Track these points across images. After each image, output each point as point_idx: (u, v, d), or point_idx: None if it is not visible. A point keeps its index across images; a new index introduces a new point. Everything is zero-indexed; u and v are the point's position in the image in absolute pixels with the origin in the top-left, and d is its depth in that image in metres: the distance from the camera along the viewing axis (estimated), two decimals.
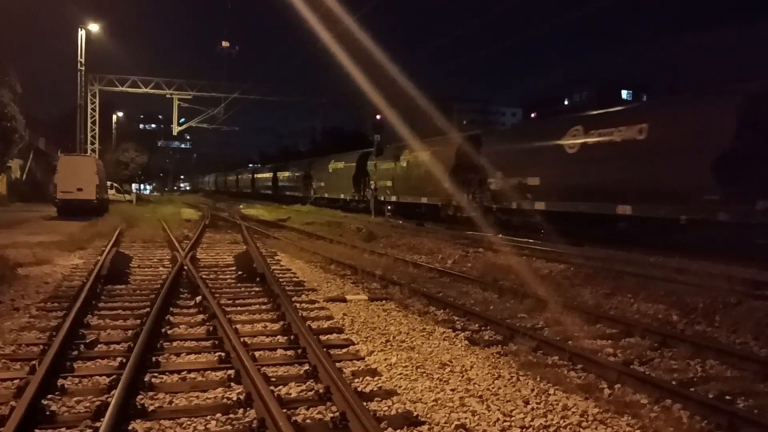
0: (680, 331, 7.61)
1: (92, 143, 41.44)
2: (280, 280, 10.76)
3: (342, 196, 37.06)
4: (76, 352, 6.02)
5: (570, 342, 6.89)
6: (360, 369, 5.75)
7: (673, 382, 5.46)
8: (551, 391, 5.21)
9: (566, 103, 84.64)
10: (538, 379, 5.54)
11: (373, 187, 31.72)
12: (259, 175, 64.09)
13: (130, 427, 4.27)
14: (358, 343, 6.71)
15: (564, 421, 4.55)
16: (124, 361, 5.46)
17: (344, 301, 9.19)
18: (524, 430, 4.41)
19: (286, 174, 52.43)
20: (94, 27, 36.62)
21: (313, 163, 45.63)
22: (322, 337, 6.80)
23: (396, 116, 30.55)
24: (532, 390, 5.24)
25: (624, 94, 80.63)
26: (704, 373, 5.95)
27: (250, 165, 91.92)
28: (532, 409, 4.80)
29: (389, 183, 30.33)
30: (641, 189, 15.26)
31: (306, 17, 21.90)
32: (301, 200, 45.70)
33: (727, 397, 5.14)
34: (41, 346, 6.08)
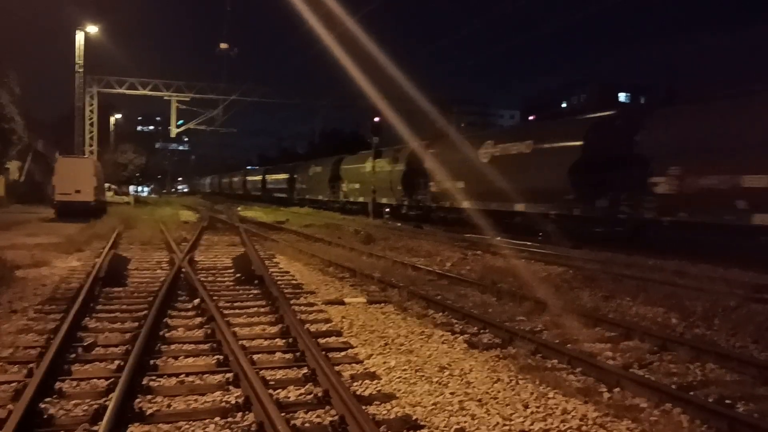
0: (679, 335, 7.60)
1: (90, 145, 41.37)
2: (279, 282, 10.74)
3: (320, 197, 41.80)
4: (74, 355, 5.99)
5: (569, 345, 6.88)
6: (359, 372, 5.73)
7: (673, 386, 5.44)
8: (551, 395, 5.20)
9: (564, 105, 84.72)
10: (538, 382, 5.52)
11: (344, 189, 36.89)
12: (250, 178, 68.49)
13: (128, 431, 4.25)
14: (356, 347, 6.69)
15: (564, 425, 4.54)
16: (122, 364, 5.44)
17: (343, 303, 9.17)
18: None
19: (274, 177, 56.66)
20: (93, 29, 36.65)
21: (297, 167, 50.39)
22: (321, 340, 6.78)
23: (395, 118, 30.64)
24: (532, 393, 5.23)
25: (622, 96, 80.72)
26: (704, 376, 5.93)
27: (248, 167, 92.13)
28: (532, 412, 4.79)
29: (357, 186, 35.42)
30: (529, 191, 19.88)
31: (306, 18, 21.93)
32: (286, 201, 49.95)
33: (727, 401, 5.12)
34: (39, 349, 6.06)
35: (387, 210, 31.54)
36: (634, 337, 7.29)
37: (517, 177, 20.04)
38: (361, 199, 34.28)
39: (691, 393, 5.26)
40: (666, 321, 8.33)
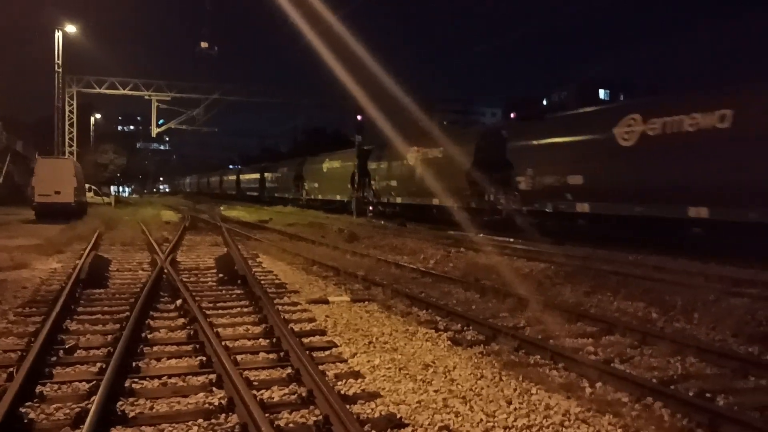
0: (660, 329, 7.68)
1: (70, 145, 40.97)
2: (262, 282, 10.71)
3: (287, 195, 46.43)
4: (55, 358, 5.93)
5: (551, 341, 6.94)
6: (343, 371, 5.73)
7: (654, 380, 5.50)
8: (534, 391, 5.24)
9: (545, 103, 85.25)
10: (521, 378, 5.56)
11: (306, 187, 41.92)
12: (227, 177, 72.53)
13: None
14: (341, 345, 6.69)
15: (546, 421, 4.58)
16: (104, 366, 5.39)
17: (327, 302, 9.17)
18: (507, 430, 4.42)
19: (248, 176, 60.69)
20: (72, 28, 36.24)
21: (267, 167, 54.91)
22: (305, 340, 6.77)
23: (378, 116, 30.82)
24: (515, 390, 5.26)
25: (602, 93, 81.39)
26: (684, 370, 6.00)
27: (231, 167, 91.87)
28: (515, 409, 4.82)
29: (316, 185, 40.29)
30: (441, 189, 23.70)
31: (288, 17, 21.92)
32: (258, 199, 53.95)
33: (708, 395, 5.19)
34: (19, 352, 5.98)
35: (371, 209, 32.13)
36: (615, 331, 7.36)
37: (434, 177, 24.09)
38: (320, 197, 39.17)
39: (672, 387, 5.33)
40: (646, 315, 8.42)
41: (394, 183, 28.84)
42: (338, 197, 35.80)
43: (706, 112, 13.95)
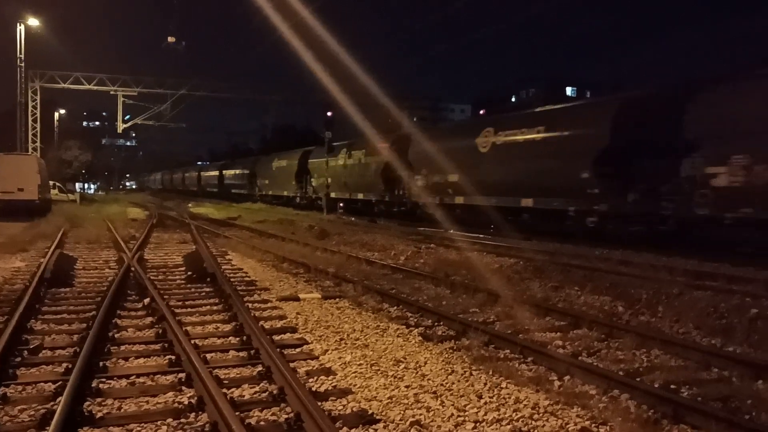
0: (626, 322, 7.83)
1: (33, 142, 40.08)
2: (232, 279, 10.62)
3: (243, 191, 50.45)
4: (19, 359, 5.81)
5: (521, 335, 7.03)
6: (314, 368, 5.72)
7: (620, 373, 5.61)
8: (503, 385, 5.30)
9: (513, 100, 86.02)
10: (491, 373, 5.62)
11: (258, 183, 46.62)
12: (188, 174, 75.59)
13: None
14: (312, 342, 6.68)
15: (516, 414, 4.63)
16: (70, 366, 5.30)
17: (297, 300, 9.14)
18: (478, 424, 4.47)
19: (208, 174, 65.61)
20: (34, 22, 35.43)
21: (225, 165, 60.30)
22: (276, 337, 6.74)
23: (348, 112, 31.01)
24: (485, 384, 5.32)
25: (569, 90, 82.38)
26: (650, 363, 6.13)
27: (199, 163, 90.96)
28: (485, 403, 4.87)
29: (267, 182, 44.46)
30: (363, 185, 29.38)
31: (258, 11, 21.79)
32: (218, 195, 58.02)
33: (672, 387, 5.31)
34: None
35: (341, 205, 32.39)
36: (582, 325, 7.48)
37: (358, 175, 29.41)
38: (270, 192, 43.80)
39: (638, 379, 5.43)
40: (612, 309, 8.57)
41: (328, 181, 33.11)
42: (285, 193, 41.09)
43: (529, 128, 18.59)
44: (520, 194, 18.64)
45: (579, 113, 18.08)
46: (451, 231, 19.40)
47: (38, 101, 40.80)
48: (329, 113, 34.02)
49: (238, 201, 48.09)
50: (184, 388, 5.11)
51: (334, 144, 32.87)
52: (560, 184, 16.95)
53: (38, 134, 40.75)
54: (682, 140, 13.91)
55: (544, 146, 17.59)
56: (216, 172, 61.15)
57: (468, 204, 21.44)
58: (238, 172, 53.57)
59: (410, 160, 25.01)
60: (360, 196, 29.86)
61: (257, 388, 5.13)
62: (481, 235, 18.51)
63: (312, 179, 36.10)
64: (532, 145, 18.10)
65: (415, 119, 56.57)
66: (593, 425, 4.45)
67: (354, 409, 4.69)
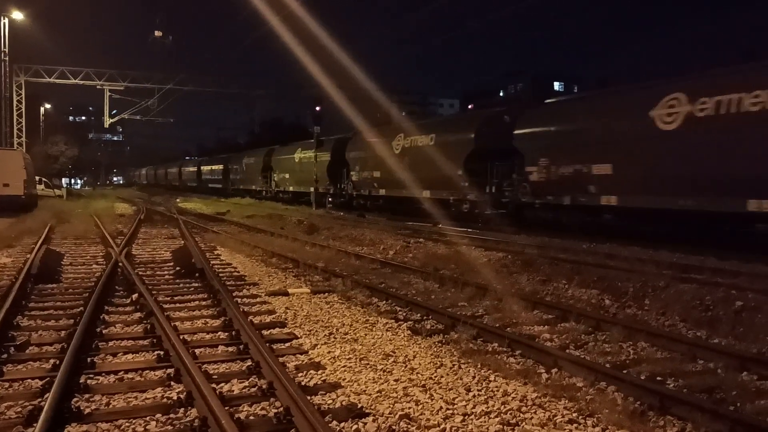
0: (613, 315, 7.90)
1: (19, 137, 39.73)
2: (220, 275, 10.60)
3: (219, 186, 54.34)
4: (5, 355, 5.77)
5: (509, 329, 7.07)
6: (304, 363, 5.73)
7: (607, 365, 5.67)
8: (492, 378, 5.33)
9: (501, 94, 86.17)
10: (479, 366, 5.65)
11: (231, 178, 50.81)
12: (170, 170, 78.70)
13: None
14: (301, 337, 6.69)
15: (504, 407, 4.66)
16: (58, 362, 5.28)
17: (286, 294, 9.13)
18: (466, 417, 4.50)
19: (188, 169, 69.38)
20: (19, 15, 35.05)
21: (202, 162, 64.64)
22: (265, 332, 6.74)
23: (337, 107, 31.24)
24: (474, 377, 5.35)
25: (556, 85, 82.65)
26: (636, 355, 6.19)
27: (187, 158, 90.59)
28: (474, 396, 4.90)
29: (239, 177, 48.81)
30: (309, 181, 32.40)
31: (247, 4, 21.77)
32: (197, 189, 60.95)
33: (658, 378, 5.37)
34: None
35: (330, 200, 32.51)
36: (570, 318, 7.53)
37: (309, 172, 32.55)
38: (242, 187, 47.44)
39: (625, 371, 5.49)
40: (600, 302, 8.64)
41: (286, 176, 38.23)
42: (254, 187, 44.79)
43: (426, 134, 23.27)
44: (421, 187, 23.14)
45: (456, 123, 23.96)
46: (440, 225, 19.44)
47: (23, 96, 40.41)
48: (318, 108, 33.91)
49: (214, 194, 51.94)
50: (173, 383, 5.10)
51: (289, 145, 37.41)
52: (445, 179, 21.17)
53: (24, 129, 40.38)
54: (514, 148, 18.64)
55: (435, 149, 22.10)
56: (194, 168, 64.60)
57: (388, 195, 26.35)
58: (214, 167, 57.64)
59: (347, 159, 29.45)
60: (311, 189, 33.40)
61: (246, 383, 5.13)
62: (470, 229, 18.55)
63: (274, 174, 40.54)
64: (428, 149, 22.73)
65: (404, 113, 56.55)
66: (580, 417, 4.49)
67: (343, 403, 4.71)
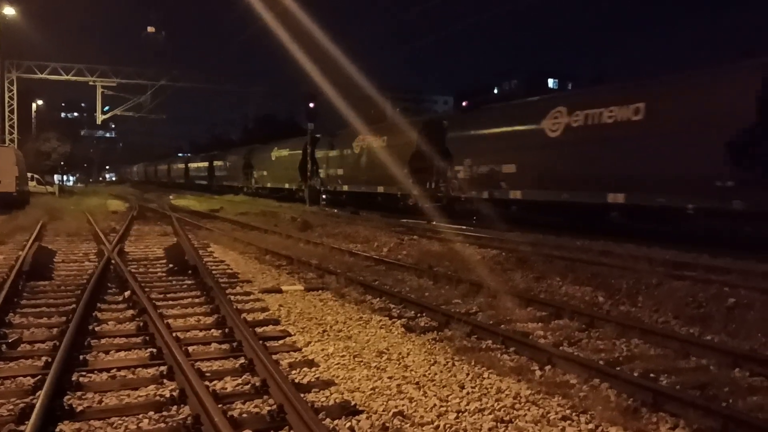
0: (606, 312, 7.91)
1: (11, 133, 39.57)
2: (213, 272, 10.57)
3: (204, 182, 57.34)
4: None
5: (503, 326, 7.07)
6: (297, 360, 5.72)
7: (601, 362, 5.67)
8: (485, 375, 5.33)
9: (496, 91, 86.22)
10: (473, 363, 5.65)
11: (216, 174, 53.49)
12: (160, 167, 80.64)
13: (57, 429, 4.11)
14: (294, 334, 6.67)
15: (498, 404, 4.67)
16: (50, 360, 5.25)
17: (280, 292, 9.12)
18: (460, 414, 4.50)
19: (176, 167, 71.33)
20: (10, 11, 34.82)
21: (190, 159, 67.88)
22: (258, 330, 6.72)
23: (331, 104, 31.17)
24: (467, 374, 5.35)
25: (551, 82, 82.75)
26: (629, 352, 6.20)
27: (180, 155, 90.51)
28: (468, 393, 4.90)
29: (225, 173, 51.14)
30: (289, 177, 36.18)
31: (241, 0, 21.73)
32: (186, 186, 62.96)
33: (651, 375, 5.38)
34: None
35: (324, 197, 32.57)
36: (563, 315, 7.54)
37: (284, 168, 36.35)
38: (225, 183, 50.17)
39: (618, 368, 5.50)
40: (593, 299, 8.66)
41: (265, 173, 40.91)
42: (235, 183, 47.34)
43: (381, 136, 26.22)
44: (376, 184, 25.93)
45: (403, 127, 25.47)
46: (434, 222, 19.45)
47: (15, 92, 40.21)
48: (311, 104, 33.81)
49: (200, 191, 54.32)
50: (165, 381, 5.08)
51: (267, 144, 40.54)
52: (395, 176, 23.49)
53: (15, 125, 40.17)
54: (447, 150, 21.62)
55: (386, 150, 24.67)
56: (182, 165, 66.93)
57: (349, 191, 29.59)
58: (200, 165, 60.33)
59: (317, 158, 32.24)
60: (286, 185, 36.70)
61: (240, 381, 5.12)
62: (464, 227, 18.57)
63: (254, 172, 43.32)
64: (381, 150, 25.26)
65: (398, 110, 56.55)
66: (574, 414, 4.50)
67: (337, 401, 4.70)
